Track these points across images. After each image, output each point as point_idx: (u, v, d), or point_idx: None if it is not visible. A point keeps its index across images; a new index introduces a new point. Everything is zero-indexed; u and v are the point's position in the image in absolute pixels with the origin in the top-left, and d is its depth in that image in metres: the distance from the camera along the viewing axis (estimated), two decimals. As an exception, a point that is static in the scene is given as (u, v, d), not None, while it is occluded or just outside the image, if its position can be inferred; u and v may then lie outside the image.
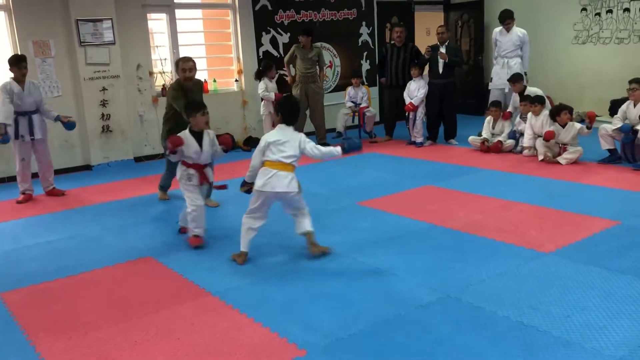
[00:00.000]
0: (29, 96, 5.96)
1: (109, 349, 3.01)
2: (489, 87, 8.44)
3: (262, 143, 4.02)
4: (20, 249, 4.66)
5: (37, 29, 7.12)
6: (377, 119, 9.59)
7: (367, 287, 3.61)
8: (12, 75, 5.92)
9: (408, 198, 5.62)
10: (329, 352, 2.87)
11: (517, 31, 8.06)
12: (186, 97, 5.18)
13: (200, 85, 5.71)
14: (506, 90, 8.08)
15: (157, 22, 8.51)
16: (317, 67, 8.43)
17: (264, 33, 9.01)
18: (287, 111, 4.10)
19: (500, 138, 7.48)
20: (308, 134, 8.56)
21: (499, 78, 8.18)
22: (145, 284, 3.85)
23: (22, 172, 6.11)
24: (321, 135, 8.69)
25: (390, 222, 4.88)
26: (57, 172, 6.72)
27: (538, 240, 4.25)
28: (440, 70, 8.02)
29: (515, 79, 7.50)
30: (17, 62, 5.89)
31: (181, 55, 5.78)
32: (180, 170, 4.49)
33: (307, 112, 8.56)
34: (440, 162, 7.17)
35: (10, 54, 6.58)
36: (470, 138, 7.78)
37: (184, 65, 5.32)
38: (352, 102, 8.73)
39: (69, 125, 6.26)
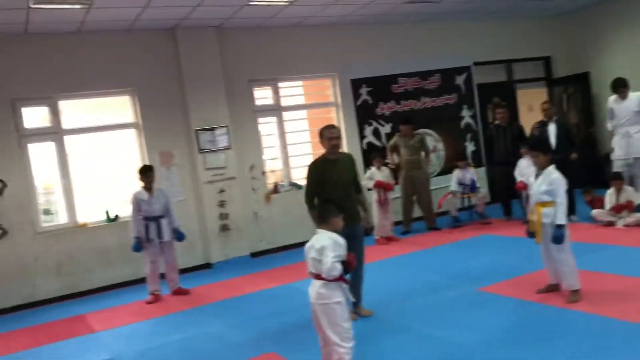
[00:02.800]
0: (156, 202, 6.48)
1: None
2: (612, 159, 7.96)
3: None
4: (154, 348, 4.89)
5: (162, 141, 7.84)
6: (488, 199, 9.36)
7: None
8: (142, 184, 6.51)
9: (533, 281, 5.28)
10: None
11: (634, 97, 7.66)
12: (321, 175, 4.73)
13: (349, 160, 5.02)
14: (630, 161, 7.62)
15: (266, 125, 9.05)
16: (422, 152, 8.51)
17: (366, 125, 9.29)
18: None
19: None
20: (415, 219, 8.65)
21: (620, 148, 7.73)
22: (272, 381, 3.87)
23: (151, 273, 6.52)
24: (431, 220, 8.60)
25: (518, 308, 4.62)
26: (180, 271, 7.06)
27: (692, 323, 3.83)
28: (553, 146, 7.77)
29: None
30: (145, 172, 6.51)
31: (326, 125, 4.96)
32: (339, 291, 3.59)
33: (414, 197, 8.57)
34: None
35: (140, 164, 7.25)
36: (595, 212, 7.34)
37: (329, 134, 4.77)
38: (461, 184, 8.62)
39: (180, 236, 6.66)
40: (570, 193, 7.81)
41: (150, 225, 6.43)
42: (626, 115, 7.67)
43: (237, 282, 6.97)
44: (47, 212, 7.63)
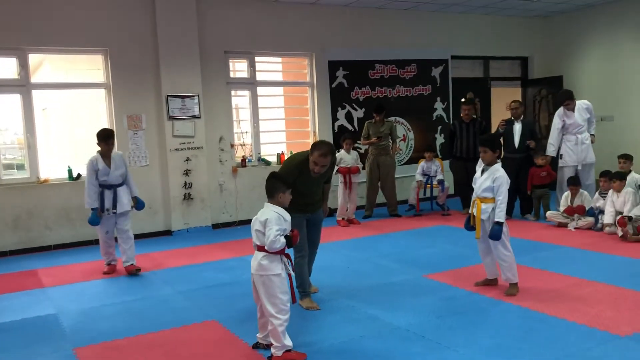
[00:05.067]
0: (115, 170, 5.91)
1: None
2: (560, 165, 8.08)
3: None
4: (97, 308, 4.94)
5: (131, 104, 7.79)
6: (452, 191, 9.52)
7: (425, 362, 3.52)
8: (99, 149, 5.91)
9: (477, 272, 5.44)
10: None
11: (581, 105, 7.86)
12: (296, 180, 4.32)
13: (332, 163, 4.65)
14: (579, 168, 7.81)
15: (240, 98, 9.05)
16: (390, 140, 8.61)
17: (339, 108, 9.34)
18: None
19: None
20: (379, 205, 8.78)
21: (573, 154, 7.86)
22: (208, 347, 3.95)
23: (105, 244, 6.07)
24: (393, 207, 8.74)
25: (456, 297, 4.77)
26: (140, 236, 7.06)
27: (613, 322, 3.99)
28: (517, 145, 7.91)
29: None
30: (107, 138, 5.89)
31: (323, 143, 4.48)
32: (279, 264, 3.67)
33: (379, 183, 8.69)
34: (515, 238, 6.91)
35: (106, 126, 7.17)
36: (549, 213, 7.54)
37: (319, 160, 4.32)
38: (426, 174, 8.76)
39: (141, 204, 6.23)
40: (526, 193, 8.00)
41: (107, 194, 5.88)
42: (577, 124, 7.81)
43: (194, 251, 7.02)
44: (20, 167, 7.56)
